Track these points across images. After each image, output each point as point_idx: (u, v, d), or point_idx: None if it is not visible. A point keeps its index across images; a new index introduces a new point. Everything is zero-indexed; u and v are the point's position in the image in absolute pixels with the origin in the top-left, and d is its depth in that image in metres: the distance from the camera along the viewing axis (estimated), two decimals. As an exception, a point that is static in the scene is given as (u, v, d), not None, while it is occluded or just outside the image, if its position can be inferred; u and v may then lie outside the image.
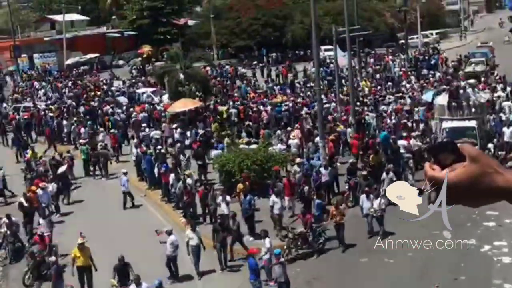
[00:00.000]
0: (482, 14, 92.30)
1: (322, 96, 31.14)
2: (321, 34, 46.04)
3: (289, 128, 29.46)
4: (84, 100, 41.37)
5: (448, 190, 1.41)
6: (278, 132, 29.49)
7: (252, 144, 25.91)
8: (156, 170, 24.43)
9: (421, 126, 28.93)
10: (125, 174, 23.73)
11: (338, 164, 24.54)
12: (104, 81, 51.42)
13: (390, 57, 53.86)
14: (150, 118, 33.97)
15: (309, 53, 52.94)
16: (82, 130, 32.05)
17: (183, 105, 32.11)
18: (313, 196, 20.94)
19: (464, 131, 25.93)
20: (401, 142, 25.09)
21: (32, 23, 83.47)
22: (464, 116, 26.86)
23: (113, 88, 47.26)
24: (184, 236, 17.88)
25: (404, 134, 26.27)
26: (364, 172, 22.28)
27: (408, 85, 40.64)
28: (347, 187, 22.24)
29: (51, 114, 36.25)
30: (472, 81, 31.08)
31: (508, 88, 36.11)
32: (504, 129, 26.87)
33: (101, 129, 33.00)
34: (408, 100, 34.50)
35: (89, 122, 33.37)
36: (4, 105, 43.13)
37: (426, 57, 52.59)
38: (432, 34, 68.56)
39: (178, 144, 27.62)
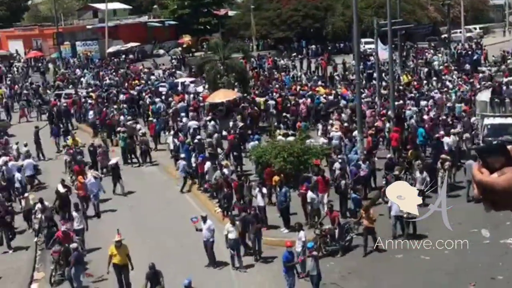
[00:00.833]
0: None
1: (362, 90, 30.95)
2: (362, 26, 45.68)
3: (330, 121, 29.22)
4: (124, 88, 41.91)
5: (497, 195, 1.34)
6: (320, 126, 29.22)
7: (289, 136, 25.84)
8: (193, 160, 24.59)
9: (459, 122, 28.36)
10: (183, 159, 24.32)
11: (375, 159, 24.32)
12: (145, 70, 51.93)
13: (432, 51, 53.03)
14: (189, 108, 34.16)
15: (349, 46, 52.54)
16: (122, 118, 32.46)
17: (223, 95, 32.20)
18: (350, 191, 20.83)
19: (507, 128, 25.41)
20: (447, 140, 24.52)
21: (75, 11, 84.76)
22: (507, 113, 26.29)
23: (152, 77, 47.71)
24: (222, 228, 17.90)
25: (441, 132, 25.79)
26: (396, 172, 21.73)
27: (449, 81, 39.96)
28: (384, 182, 22.01)
29: (90, 101, 36.83)
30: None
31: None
32: None
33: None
34: (453, 96, 33.86)
35: (125, 110, 33.86)
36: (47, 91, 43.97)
37: (469, 52, 51.59)
38: (475, 28, 67.23)
39: (216, 135, 27.73)
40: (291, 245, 15.97)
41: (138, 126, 30.48)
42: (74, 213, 19.53)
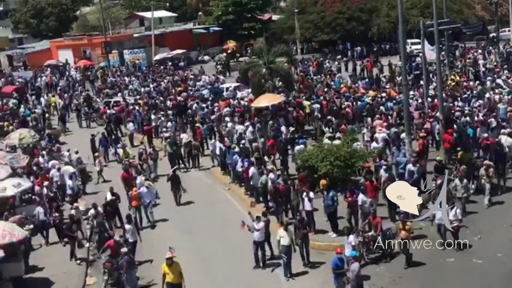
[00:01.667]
0: None
1: (409, 91, 30.49)
2: (407, 27, 45.09)
3: (375, 123, 28.90)
4: (171, 95, 42.41)
5: None
6: (365, 130, 28.79)
7: (335, 139, 25.66)
8: (239, 165, 24.69)
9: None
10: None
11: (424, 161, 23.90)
12: (192, 76, 52.45)
13: (480, 51, 51.93)
14: (235, 113, 34.33)
15: (395, 47, 51.89)
16: (169, 124, 32.86)
17: (268, 100, 32.23)
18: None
19: None
20: (503, 140, 23.87)
21: (122, 20, 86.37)
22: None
23: (199, 83, 48.14)
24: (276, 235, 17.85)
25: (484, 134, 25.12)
26: (438, 181, 21.01)
27: (501, 80, 38.96)
28: (434, 185, 21.61)
29: (138, 108, 37.40)
30: None
31: None
32: None
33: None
34: (506, 97, 33.01)
35: (170, 117, 34.31)
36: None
37: (519, 51, 50.28)
38: (525, 26, 65.44)
39: (262, 139, 27.75)
40: (340, 251, 15.76)
41: (182, 135, 30.49)
42: (127, 226, 19.16)
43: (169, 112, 36.56)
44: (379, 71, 47.33)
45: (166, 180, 24.53)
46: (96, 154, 29.22)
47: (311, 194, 20.03)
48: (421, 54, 34.40)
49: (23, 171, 26.41)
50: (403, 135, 25.38)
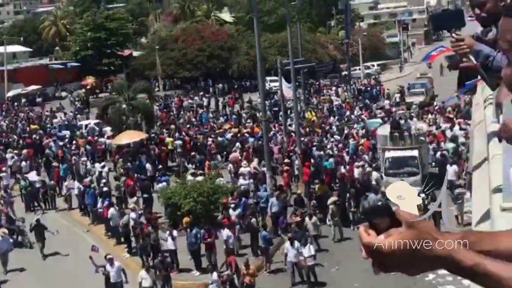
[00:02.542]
0: (421, 46, 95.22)
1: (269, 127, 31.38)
2: (266, 65, 46.61)
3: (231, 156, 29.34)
4: (26, 133, 40.40)
5: (384, 257, 1.31)
6: (230, 166, 28.99)
7: (198, 175, 25.70)
8: (99, 205, 23.90)
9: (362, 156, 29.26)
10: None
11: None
12: (47, 113, 50.39)
13: (333, 88, 54.91)
14: (94, 151, 33.35)
15: (255, 84, 53.43)
16: (24, 163, 31.21)
17: (129, 137, 31.72)
18: (261, 228, 20.83)
19: (407, 161, 26.50)
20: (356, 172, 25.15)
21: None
22: (406, 146, 27.40)
23: (55, 120, 46.31)
24: (137, 276, 17.35)
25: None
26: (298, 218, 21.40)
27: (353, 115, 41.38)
28: (294, 217, 22.22)
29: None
30: (412, 111, 31.83)
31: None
32: (448, 167, 26.46)
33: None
34: (360, 131, 34.95)
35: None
36: None
37: (369, 88, 53.78)
38: (373, 65, 70.31)
39: (123, 178, 27.15)
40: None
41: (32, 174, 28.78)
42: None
43: (24, 151, 34.68)
44: (240, 107, 48.36)
45: (29, 229, 22.60)
46: None
47: (174, 232, 19.81)
48: (279, 91, 35.67)
49: None
50: (263, 169, 25.99)
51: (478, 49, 3.54)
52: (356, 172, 25.79)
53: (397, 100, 48.16)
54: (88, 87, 64.43)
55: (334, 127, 37.15)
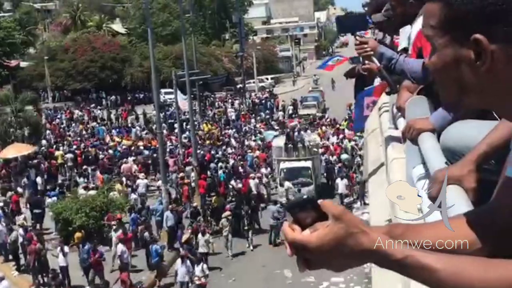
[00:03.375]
0: (312, 60, 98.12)
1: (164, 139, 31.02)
2: (161, 77, 46.22)
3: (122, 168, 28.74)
4: None
5: (310, 253, 1.23)
6: (124, 179, 28.25)
7: (91, 189, 24.93)
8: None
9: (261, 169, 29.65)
10: None
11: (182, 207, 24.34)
12: None
13: (230, 100, 55.32)
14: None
15: (149, 96, 52.74)
16: None
17: (17, 150, 30.26)
18: (153, 242, 20.44)
19: (300, 171, 27.13)
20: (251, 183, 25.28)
21: None
22: (300, 157, 28.06)
23: None
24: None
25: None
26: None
27: (248, 127, 41.83)
28: (190, 231, 22.04)
29: None
30: (305, 123, 32.69)
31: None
32: (338, 180, 27.45)
33: None
34: (253, 143, 35.32)
35: None
36: None
37: (263, 101, 54.64)
38: (267, 79, 71.49)
39: (10, 193, 25.80)
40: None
41: None
42: None
43: None
44: (134, 119, 47.50)
45: None
46: None
47: (66, 248, 19.05)
48: (174, 103, 35.43)
49: None
50: (159, 182, 25.61)
51: (381, 52, 3.64)
52: (252, 184, 26.01)
53: (290, 112, 49.32)
54: (-29, 98, 61.06)
55: (232, 139, 37.35)
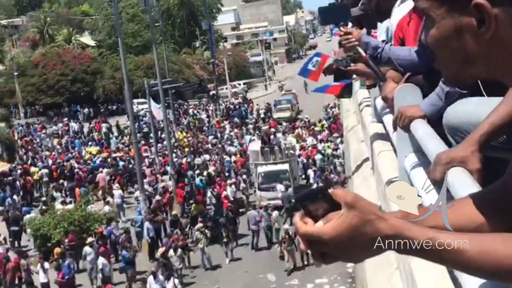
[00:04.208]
0: (283, 64, 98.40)
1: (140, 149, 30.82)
2: (133, 88, 45.93)
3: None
4: None
5: (325, 246, 1.15)
6: (99, 193, 27.96)
7: (68, 204, 24.63)
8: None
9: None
10: None
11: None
12: None
13: (203, 107, 55.23)
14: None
15: (122, 108, 52.37)
16: None
17: (-12, 168, 29.78)
18: (136, 254, 20.23)
19: (278, 174, 27.12)
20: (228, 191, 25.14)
21: None
22: (277, 160, 28.05)
23: None
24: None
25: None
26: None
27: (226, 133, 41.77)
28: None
29: None
30: (280, 126, 32.71)
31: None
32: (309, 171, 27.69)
33: None
34: (232, 148, 35.26)
35: None
36: None
37: (237, 106, 54.61)
38: (240, 84, 71.50)
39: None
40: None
41: None
42: None
43: None
44: (108, 130, 47.03)
45: None
46: None
47: (46, 265, 18.78)
48: (148, 113, 35.22)
49: None
50: (137, 193, 25.35)
51: (366, 41, 3.62)
52: (229, 190, 25.91)
53: (263, 116, 49.39)
54: None
55: (210, 146, 37.26)
